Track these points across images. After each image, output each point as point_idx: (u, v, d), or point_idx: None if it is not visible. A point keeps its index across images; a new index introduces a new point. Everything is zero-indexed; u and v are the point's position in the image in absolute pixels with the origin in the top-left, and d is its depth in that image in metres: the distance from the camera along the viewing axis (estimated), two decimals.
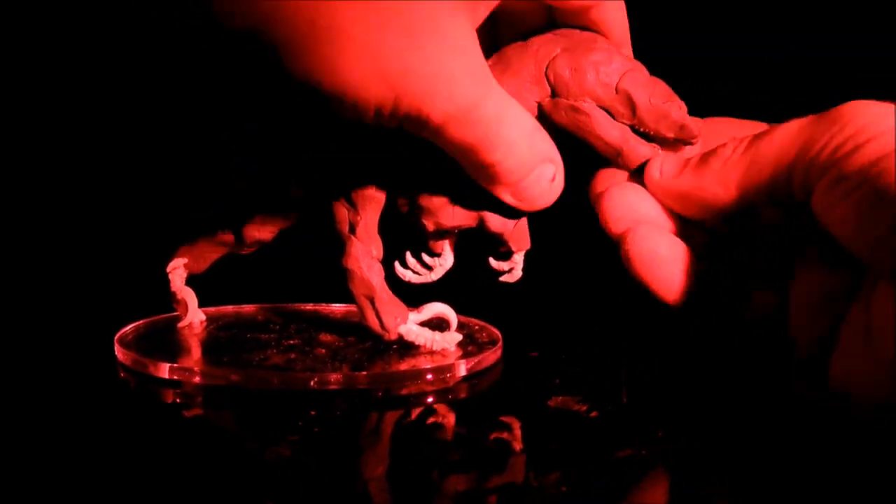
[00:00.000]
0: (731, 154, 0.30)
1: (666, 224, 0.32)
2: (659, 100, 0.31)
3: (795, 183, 0.29)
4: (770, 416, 0.29)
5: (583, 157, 0.33)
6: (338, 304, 0.42)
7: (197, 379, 0.31)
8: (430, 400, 0.31)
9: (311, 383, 0.31)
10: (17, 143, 0.52)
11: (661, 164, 0.32)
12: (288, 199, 0.35)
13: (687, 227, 0.33)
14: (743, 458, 0.26)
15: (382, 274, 0.34)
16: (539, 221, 0.35)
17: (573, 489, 0.23)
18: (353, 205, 0.33)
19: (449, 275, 0.37)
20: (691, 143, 0.32)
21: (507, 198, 0.32)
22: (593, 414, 0.29)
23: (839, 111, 0.28)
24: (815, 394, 0.29)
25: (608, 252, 0.33)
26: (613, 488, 0.24)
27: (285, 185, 0.35)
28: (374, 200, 0.33)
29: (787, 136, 0.29)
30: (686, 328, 0.32)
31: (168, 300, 0.38)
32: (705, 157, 0.31)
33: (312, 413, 0.29)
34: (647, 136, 0.32)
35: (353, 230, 0.33)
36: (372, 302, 0.33)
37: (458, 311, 0.36)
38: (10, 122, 0.51)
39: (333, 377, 0.31)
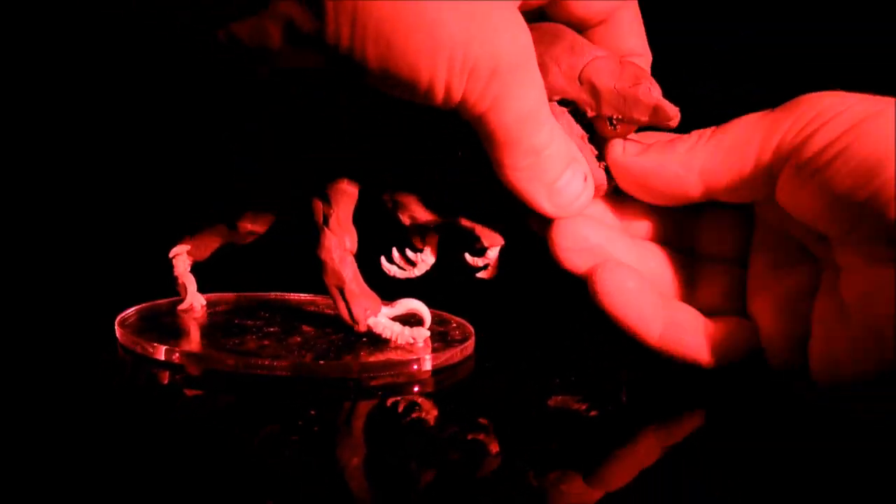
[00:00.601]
0: (696, 140, 0.31)
1: (620, 245, 0.32)
2: (626, 83, 0.31)
3: (759, 173, 0.30)
4: (770, 416, 0.29)
5: None
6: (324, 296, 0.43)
7: (176, 357, 0.33)
8: (394, 394, 0.32)
9: (260, 370, 0.32)
10: (22, 131, 0.53)
11: (625, 144, 0.32)
12: (286, 198, 0.36)
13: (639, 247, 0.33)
14: (743, 458, 0.26)
15: (355, 266, 0.34)
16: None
17: (572, 487, 0.24)
18: (326, 198, 0.34)
19: (432, 271, 0.37)
20: (670, 126, 0.31)
21: (545, 203, 0.31)
22: (593, 413, 0.29)
23: (797, 101, 0.30)
24: (813, 392, 0.29)
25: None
26: (613, 487, 0.24)
27: (285, 185, 0.36)
28: (346, 194, 0.34)
29: (750, 125, 0.30)
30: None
31: (171, 284, 0.39)
32: (671, 141, 0.31)
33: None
34: (619, 123, 0.32)
35: (326, 222, 0.34)
36: (342, 293, 0.34)
37: (437, 307, 0.37)
38: (15, 112, 0.51)
39: (283, 364, 0.32)
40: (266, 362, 0.32)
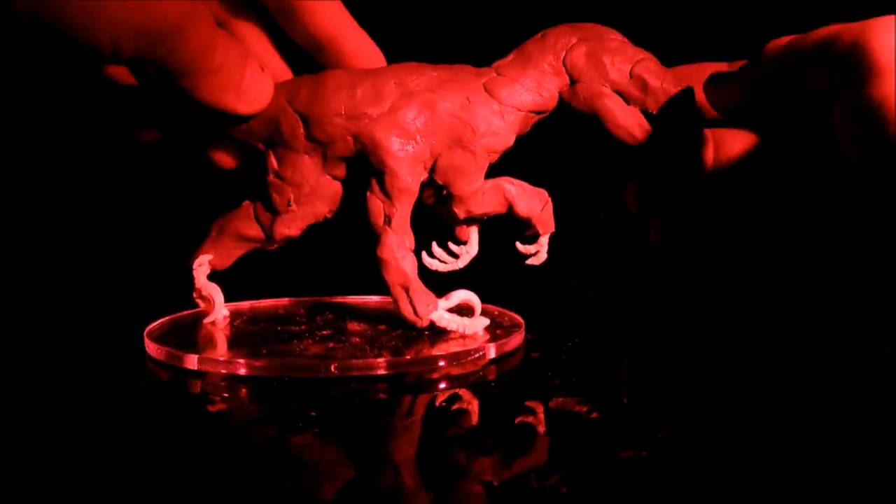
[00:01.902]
0: None
1: None
2: (670, 85, 0.34)
3: None
4: (770, 416, 0.30)
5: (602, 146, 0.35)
6: (353, 297, 0.43)
7: (243, 371, 0.32)
8: (460, 383, 0.32)
9: (357, 371, 0.32)
10: (48, 145, 0.53)
11: None
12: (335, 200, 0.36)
13: None
14: (743, 458, 0.26)
15: (416, 264, 0.35)
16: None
17: (573, 490, 0.24)
18: (388, 197, 0.34)
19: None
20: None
21: (237, 104, 0.33)
22: (594, 415, 0.30)
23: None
24: None
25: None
26: (613, 489, 0.24)
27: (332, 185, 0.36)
28: (408, 193, 0.34)
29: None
30: None
31: (189, 296, 0.38)
32: None
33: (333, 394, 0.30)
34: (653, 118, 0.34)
35: (388, 222, 0.34)
36: (406, 291, 0.34)
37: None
38: (41, 123, 0.51)
39: (379, 362, 0.32)
40: (361, 362, 0.32)
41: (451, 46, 0.38)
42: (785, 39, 0.32)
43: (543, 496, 0.23)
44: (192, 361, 0.33)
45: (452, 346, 0.34)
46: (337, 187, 0.36)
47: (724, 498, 0.24)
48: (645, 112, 0.34)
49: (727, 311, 0.44)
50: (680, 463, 0.26)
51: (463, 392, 0.32)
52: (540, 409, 0.30)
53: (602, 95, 0.34)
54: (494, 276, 0.40)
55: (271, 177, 0.35)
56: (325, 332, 0.36)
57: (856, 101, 0.27)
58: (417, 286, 0.35)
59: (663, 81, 0.34)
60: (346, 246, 0.45)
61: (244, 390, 0.32)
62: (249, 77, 0.33)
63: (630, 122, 0.34)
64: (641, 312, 0.45)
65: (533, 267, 0.38)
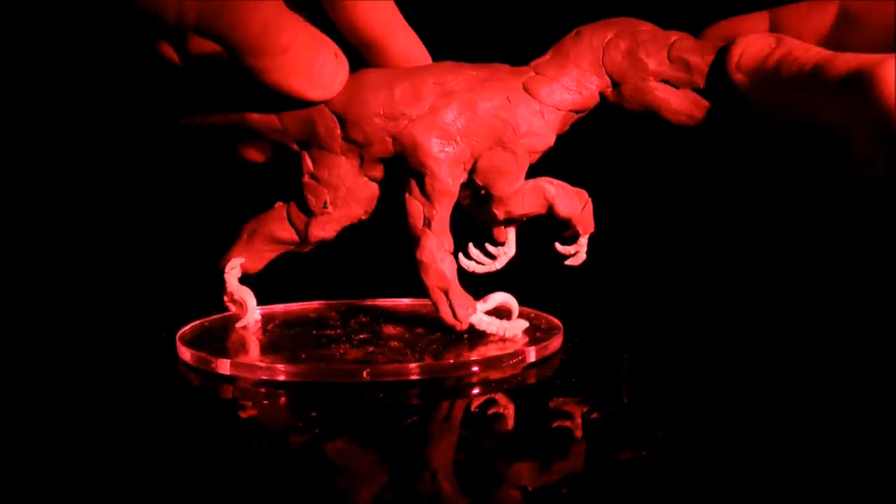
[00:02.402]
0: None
1: None
2: (710, 55, 0.34)
3: None
4: (770, 416, 0.30)
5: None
6: (383, 300, 0.43)
7: (282, 377, 0.32)
8: (498, 387, 0.32)
9: (405, 375, 0.32)
10: (80, 152, 0.53)
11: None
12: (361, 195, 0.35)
13: None
14: (743, 459, 0.26)
15: (455, 266, 0.35)
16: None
17: (573, 491, 0.24)
18: (428, 198, 0.34)
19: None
20: None
21: (308, 90, 0.33)
22: (594, 415, 0.30)
23: None
24: None
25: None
26: (614, 490, 0.24)
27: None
28: (448, 194, 0.34)
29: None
30: None
31: (220, 301, 0.38)
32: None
33: (380, 396, 0.30)
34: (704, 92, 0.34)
35: (427, 224, 0.34)
36: (446, 294, 0.34)
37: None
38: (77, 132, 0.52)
39: (418, 367, 0.32)
40: (395, 367, 0.31)
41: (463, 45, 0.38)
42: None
43: (544, 496, 0.23)
44: (224, 366, 0.33)
45: (491, 350, 0.34)
46: (373, 189, 0.35)
47: (724, 498, 0.24)
48: (696, 89, 0.34)
49: (727, 311, 0.44)
50: (680, 463, 0.26)
51: (501, 396, 0.31)
52: (577, 413, 0.30)
53: (650, 90, 0.34)
54: (527, 278, 0.39)
55: (306, 178, 0.35)
56: (362, 336, 0.36)
57: (881, 131, 0.28)
58: (457, 289, 0.34)
59: (703, 54, 0.34)
60: (370, 248, 0.45)
61: (280, 395, 0.31)
62: (322, 62, 0.32)
63: (686, 106, 0.34)
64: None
65: (569, 268, 0.38)
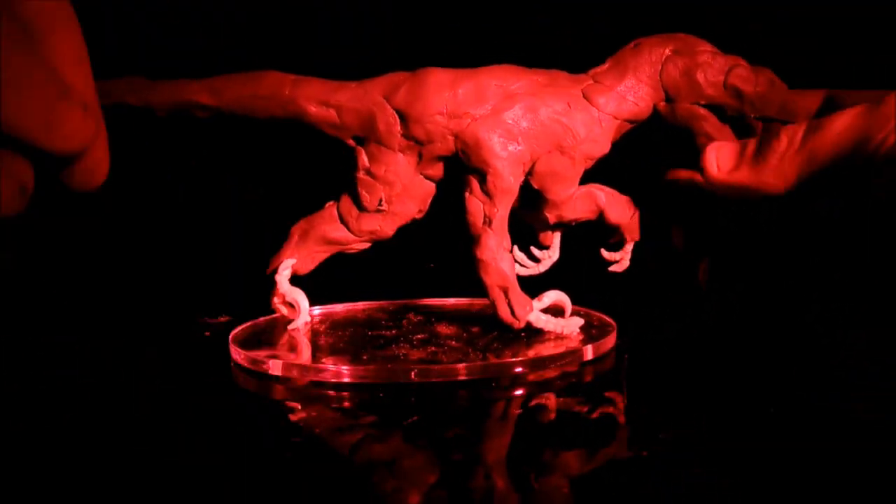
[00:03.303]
0: (786, 148, 0.32)
1: None
2: (763, 87, 0.35)
3: (853, 176, 0.31)
4: (770, 416, 0.30)
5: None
6: (430, 299, 0.43)
7: (347, 378, 0.31)
8: (556, 384, 0.32)
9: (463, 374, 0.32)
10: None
11: (717, 159, 0.34)
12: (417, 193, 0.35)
13: None
14: (743, 458, 0.26)
15: (514, 265, 0.35)
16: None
17: (574, 491, 0.24)
18: (489, 197, 0.34)
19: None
20: (794, 120, 0.34)
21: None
22: (594, 415, 0.30)
23: (889, 103, 0.30)
24: None
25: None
26: (614, 490, 0.24)
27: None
28: (510, 194, 0.34)
29: (843, 130, 0.31)
30: None
31: (268, 302, 0.37)
32: (761, 151, 0.33)
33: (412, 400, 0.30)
34: (754, 120, 0.35)
35: (488, 222, 0.34)
36: (505, 292, 0.34)
37: None
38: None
39: (486, 366, 0.32)
40: (451, 367, 0.31)
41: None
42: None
43: (544, 496, 0.23)
44: (277, 367, 0.32)
45: (549, 348, 0.34)
46: (430, 187, 0.35)
47: (724, 498, 0.24)
48: (745, 117, 0.35)
49: (728, 310, 0.44)
50: (680, 463, 0.26)
51: (555, 394, 0.31)
52: (623, 407, 0.30)
53: (700, 118, 0.35)
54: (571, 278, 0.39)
55: (361, 174, 0.35)
56: (420, 336, 0.36)
57: None
58: (516, 288, 0.34)
59: (756, 86, 0.35)
60: (406, 249, 0.45)
61: (341, 397, 0.31)
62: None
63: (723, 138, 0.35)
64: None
65: (613, 273, 0.38)
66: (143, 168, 0.55)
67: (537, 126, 0.34)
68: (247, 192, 0.55)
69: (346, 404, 0.31)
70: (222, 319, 0.40)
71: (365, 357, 0.33)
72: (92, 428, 0.29)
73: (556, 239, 0.38)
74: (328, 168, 0.36)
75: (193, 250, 0.56)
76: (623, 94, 0.35)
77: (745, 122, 0.35)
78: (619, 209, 0.36)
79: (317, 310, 0.41)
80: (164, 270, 0.54)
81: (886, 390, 0.32)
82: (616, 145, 0.36)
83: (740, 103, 0.35)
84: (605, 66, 0.36)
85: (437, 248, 0.40)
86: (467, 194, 0.34)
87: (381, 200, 0.35)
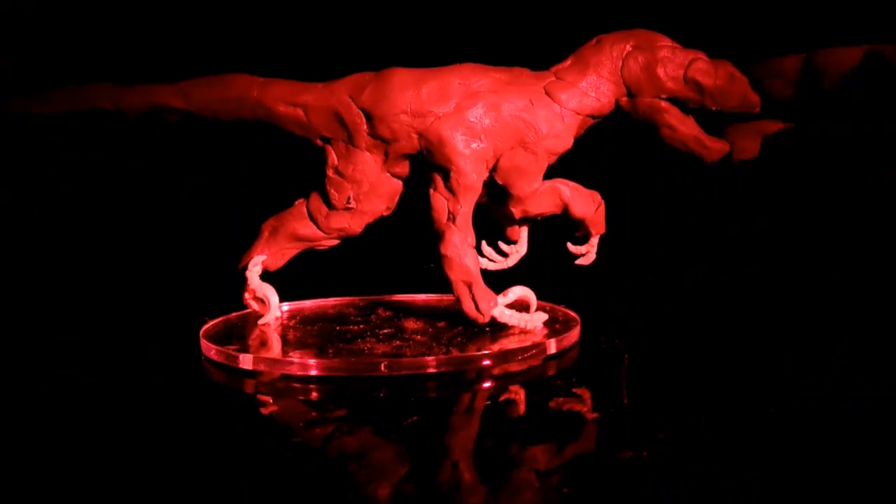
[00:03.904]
0: None
1: None
2: (722, 80, 0.35)
3: None
4: (770, 417, 0.30)
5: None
6: (399, 295, 0.43)
7: (314, 371, 0.32)
8: (519, 378, 0.33)
9: (429, 368, 0.32)
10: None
11: None
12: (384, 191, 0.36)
13: None
14: (743, 459, 0.26)
15: (478, 261, 0.35)
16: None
17: (575, 490, 0.24)
18: (453, 194, 0.34)
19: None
20: (754, 111, 0.36)
21: None
22: (594, 415, 0.30)
23: None
24: None
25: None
26: (614, 489, 0.24)
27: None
28: (473, 190, 0.34)
29: None
30: None
31: (238, 298, 0.38)
32: None
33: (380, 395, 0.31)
34: (714, 112, 0.36)
35: (451, 218, 0.35)
36: (469, 287, 0.35)
37: None
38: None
39: (441, 359, 0.32)
40: (422, 360, 0.32)
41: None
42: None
43: (544, 496, 0.24)
44: (247, 361, 0.33)
45: (513, 342, 0.35)
46: (396, 185, 0.36)
47: (724, 498, 0.24)
48: (706, 110, 0.36)
49: (728, 310, 0.45)
50: (680, 463, 0.26)
51: (521, 387, 0.32)
52: (594, 404, 0.31)
53: (661, 111, 0.35)
54: (539, 273, 0.40)
55: (330, 172, 0.35)
56: (386, 331, 0.36)
57: None
58: (480, 283, 0.35)
59: (716, 79, 0.35)
60: (379, 245, 0.46)
61: (309, 390, 0.32)
62: None
63: (689, 138, 0.36)
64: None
65: (576, 266, 0.39)
66: (126, 170, 0.56)
67: (500, 123, 0.35)
68: (214, 189, 0.55)
69: (315, 396, 0.31)
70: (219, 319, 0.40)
71: (331, 351, 0.33)
72: (59, 425, 0.29)
73: (523, 233, 0.39)
74: (297, 166, 0.37)
75: (166, 245, 0.57)
76: (585, 90, 0.35)
77: (707, 114, 0.36)
78: (583, 203, 0.37)
79: (287, 305, 0.41)
80: (138, 267, 0.54)
81: (886, 389, 0.32)
82: (579, 140, 0.37)
83: (701, 96, 0.35)
84: (567, 62, 0.36)
85: (412, 245, 0.41)
86: (432, 191, 0.35)
87: (349, 199, 0.35)
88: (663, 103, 0.35)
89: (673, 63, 0.35)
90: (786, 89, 0.36)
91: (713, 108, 0.35)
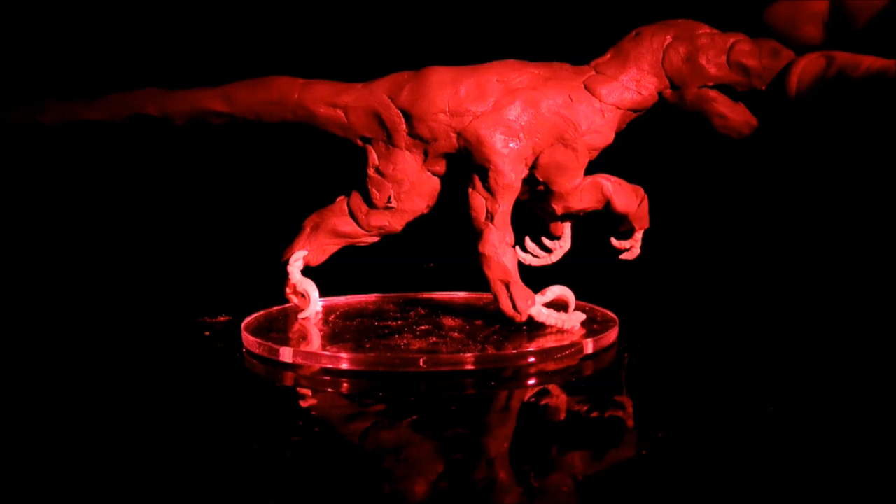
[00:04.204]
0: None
1: None
2: (767, 59, 0.35)
3: None
4: (770, 417, 0.30)
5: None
6: (439, 293, 0.44)
7: (345, 365, 0.33)
8: (554, 377, 0.33)
9: (468, 365, 0.32)
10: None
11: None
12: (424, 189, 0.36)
13: None
14: (743, 459, 0.26)
15: (517, 260, 0.35)
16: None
17: (578, 490, 0.24)
18: (491, 193, 0.35)
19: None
20: None
21: None
22: (594, 414, 0.30)
23: None
24: None
25: None
26: (615, 489, 0.24)
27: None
28: (511, 190, 0.35)
29: None
30: None
31: (281, 292, 0.39)
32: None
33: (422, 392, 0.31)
34: (764, 92, 0.35)
35: (490, 218, 0.35)
36: (507, 286, 0.35)
37: None
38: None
39: (475, 357, 0.33)
40: (456, 357, 0.32)
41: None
42: None
43: (545, 496, 0.24)
44: (287, 354, 0.34)
45: (549, 341, 0.35)
46: (436, 183, 0.36)
47: (723, 498, 0.24)
48: (756, 91, 0.35)
49: (729, 309, 0.45)
50: (680, 463, 0.26)
51: (557, 387, 0.32)
52: (629, 404, 0.31)
53: (710, 100, 0.35)
54: (585, 272, 0.40)
55: (371, 171, 0.36)
56: (423, 328, 0.36)
57: None
58: (518, 282, 0.35)
59: (761, 57, 0.35)
60: (423, 242, 0.46)
61: (342, 383, 0.32)
62: None
63: (739, 123, 0.35)
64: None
65: (624, 262, 0.39)
66: (149, 166, 0.57)
67: (539, 120, 0.35)
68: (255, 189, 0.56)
69: (352, 391, 0.32)
70: (222, 319, 0.41)
71: (368, 346, 0.34)
72: (111, 417, 0.30)
73: (566, 229, 0.39)
74: (339, 163, 0.37)
75: (210, 239, 0.58)
76: (625, 84, 0.35)
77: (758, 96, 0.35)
78: (626, 198, 0.37)
79: (328, 300, 0.42)
80: (165, 268, 0.55)
81: (888, 389, 0.32)
82: (621, 134, 0.36)
83: (748, 78, 0.35)
84: (607, 56, 0.36)
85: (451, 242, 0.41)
86: (470, 190, 0.35)
87: (389, 197, 0.36)
88: (711, 92, 0.35)
89: (714, 49, 0.35)
90: (814, 31, 0.35)
91: (763, 88, 0.35)
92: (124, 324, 0.42)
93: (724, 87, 0.35)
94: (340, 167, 0.37)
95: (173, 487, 0.24)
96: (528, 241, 0.39)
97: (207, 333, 0.39)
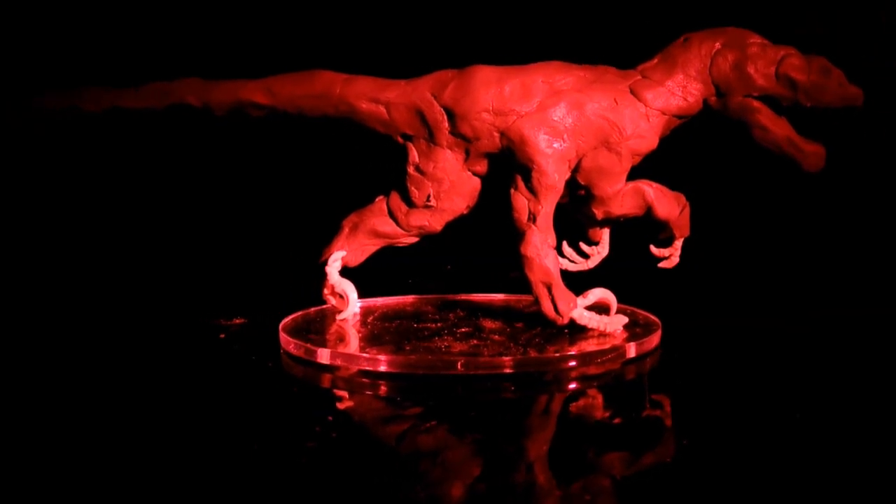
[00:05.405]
0: None
1: None
2: (816, 75, 0.34)
3: None
4: (770, 417, 0.29)
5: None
6: (478, 295, 0.43)
7: (383, 367, 0.32)
8: (597, 381, 0.32)
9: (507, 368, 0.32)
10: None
11: None
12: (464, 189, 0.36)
13: None
14: (743, 458, 0.26)
15: (558, 262, 0.35)
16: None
17: (616, 494, 0.24)
18: (534, 194, 0.34)
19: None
20: (857, 106, 0.34)
21: None
22: (616, 420, 0.30)
23: None
24: None
25: None
26: (654, 494, 0.24)
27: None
28: (554, 191, 0.34)
29: None
30: None
31: (318, 293, 0.38)
32: None
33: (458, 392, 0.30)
34: (809, 109, 0.34)
35: (532, 219, 0.34)
36: (549, 288, 0.34)
37: None
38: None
39: (518, 360, 0.32)
40: (499, 360, 0.32)
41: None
42: None
43: (545, 496, 0.23)
44: (324, 356, 0.33)
45: (591, 345, 0.34)
46: (476, 183, 0.36)
47: (723, 498, 0.24)
48: (801, 107, 0.34)
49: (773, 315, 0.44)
50: (718, 467, 0.26)
51: (599, 390, 0.32)
52: (669, 407, 0.30)
53: (753, 111, 0.34)
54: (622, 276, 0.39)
55: (411, 170, 0.35)
56: (464, 330, 0.36)
57: None
58: (560, 284, 0.35)
59: (809, 74, 0.34)
60: (459, 245, 0.46)
61: (380, 386, 0.32)
62: None
63: (780, 138, 0.35)
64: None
65: (663, 269, 0.38)
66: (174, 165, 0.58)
67: (583, 122, 0.34)
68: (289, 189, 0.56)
69: (390, 393, 0.31)
70: (237, 322, 0.41)
71: (408, 347, 0.34)
72: (149, 412, 0.30)
73: (605, 235, 0.38)
74: (378, 162, 0.37)
75: (249, 240, 0.58)
76: (672, 90, 0.35)
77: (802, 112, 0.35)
78: (667, 205, 0.36)
79: (366, 301, 0.42)
80: (202, 268, 0.55)
81: (888, 391, 0.32)
82: (665, 140, 0.36)
83: (794, 93, 0.34)
84: (654, 61, 0.36)
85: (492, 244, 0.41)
86: (512, 191, 0.35)
87: (429, 196, 0.36)
88: (755, 103, 0.34)
89: (764, 59, 0.34)
90: None
91: (808, 105, 0.34)
92: (160, 326, 0.42)
93: (769, 100, 0.34)
94: (380, 168, 0.37)
95: (208, 487, 0.24)
96: (565, 246, 0.38)
97: (223, 336, 0.39)
